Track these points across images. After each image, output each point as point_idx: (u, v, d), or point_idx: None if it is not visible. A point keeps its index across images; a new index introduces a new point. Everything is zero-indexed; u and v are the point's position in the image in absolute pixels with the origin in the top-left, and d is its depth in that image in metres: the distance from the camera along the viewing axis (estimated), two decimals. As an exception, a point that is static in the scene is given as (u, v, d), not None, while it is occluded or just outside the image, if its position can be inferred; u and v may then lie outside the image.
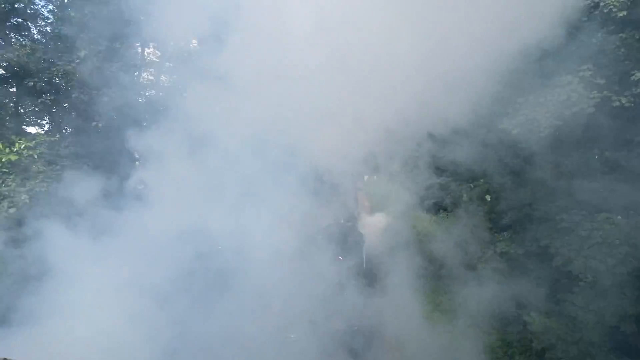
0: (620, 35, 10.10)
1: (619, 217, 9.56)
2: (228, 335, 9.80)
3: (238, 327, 10.08)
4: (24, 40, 14.87)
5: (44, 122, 15.98)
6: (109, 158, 13.66)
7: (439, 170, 17.07)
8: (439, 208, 21.02)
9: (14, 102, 14.98)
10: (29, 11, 14.77)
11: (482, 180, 14.34)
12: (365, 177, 38.27)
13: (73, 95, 13.60)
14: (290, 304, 11.09)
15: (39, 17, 15.38)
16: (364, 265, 16.32)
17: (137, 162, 15.23)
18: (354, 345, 10.94)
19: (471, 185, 14.89)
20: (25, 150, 10.96)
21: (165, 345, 9.10)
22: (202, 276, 10.81)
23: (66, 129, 15.35)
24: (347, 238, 15.56)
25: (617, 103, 9.44)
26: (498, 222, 14.57)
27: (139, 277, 9.37)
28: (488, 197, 14.20)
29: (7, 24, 14.37)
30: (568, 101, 9.76)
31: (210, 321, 10.15)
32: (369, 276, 16.17)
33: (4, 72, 13.66)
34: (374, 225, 25.12)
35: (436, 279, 16.48)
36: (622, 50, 10.08)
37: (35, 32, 15.46)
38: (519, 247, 12.00)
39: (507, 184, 13.06)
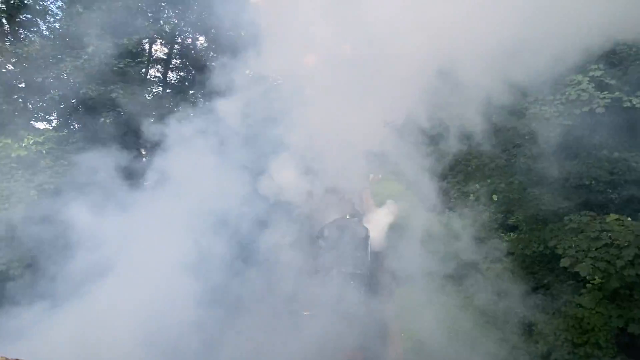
0: (632, 34, 9.96)
1: (629, 218, 9.45)
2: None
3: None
4: (33, 36, 14.99)
5: (52, 117, 16.11)
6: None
7: (446, 169, 17.00)
8: (445, 207, 20.93)
9: (23, 98, 15.10)
10: (38, 7, 14.88)
11: (489, 181, 14.24)
12: (371, 176, 38.40)
13: (81, 91, 13.67)
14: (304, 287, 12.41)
15: (48, 14, 15.49)
16: (369, 259, 16.49)
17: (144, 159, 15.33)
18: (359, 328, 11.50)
19: (478, 185, 14.79)
20: (34, 146, 11.05)
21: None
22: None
23: (74, 125, 15.44)
24: (353, 232, 16.09)
25: (628, 104, 9.31)
26: (505, 222, 14.49)
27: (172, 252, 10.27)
28: (495, 197, 14.11)
29: (17, 20, 14.48)
30: (578, 101, 9.65)
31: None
32: (374, 270, 16.68)
33: (13, 67, 13.76)
34: (379, 221, 25.35)
35: (441, 278, 16.42)
36: (634, 49, 9.95)
37: (44, 29, 15.59)
38: (526, 248, 11.90)
39: (514, 184, 12.95)
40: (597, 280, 9.21)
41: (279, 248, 13.81)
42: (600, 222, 9.33)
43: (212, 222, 11.48)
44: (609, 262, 8.46)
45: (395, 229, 23.01)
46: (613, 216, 9.27)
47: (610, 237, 8.79)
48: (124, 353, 8.53)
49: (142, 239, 10.13)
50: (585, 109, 9.59)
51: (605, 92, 9.31)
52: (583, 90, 9.47)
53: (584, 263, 8.64)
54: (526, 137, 12.99)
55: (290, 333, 10.88)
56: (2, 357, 2.55)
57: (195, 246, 10.71)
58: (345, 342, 10.86)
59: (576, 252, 8.98)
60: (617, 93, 9.26)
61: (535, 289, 11.46)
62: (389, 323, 14.26)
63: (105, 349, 8.39)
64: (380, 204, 30.54)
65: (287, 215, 14.36)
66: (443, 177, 18.47)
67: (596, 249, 8.79)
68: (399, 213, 26.37)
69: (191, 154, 12.07)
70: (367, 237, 17.14)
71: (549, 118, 11.25)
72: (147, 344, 8.86)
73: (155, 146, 14.07)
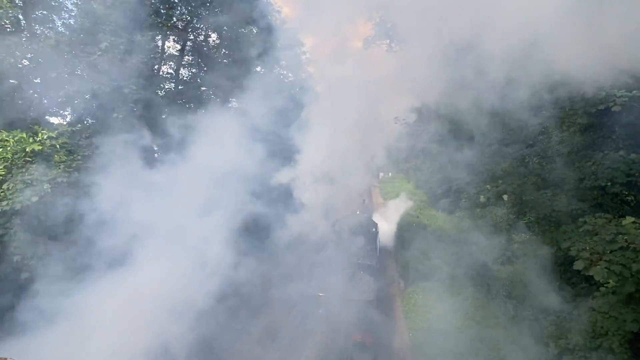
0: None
1: (646, 221, 9.19)
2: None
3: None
4: (49, 32, 15.18)
5: (66, 112, 16.32)
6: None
7: (457, 168, 16.83)
8: (455, 207, 20.74)
9: (38, 93, 15.32)
10: (53, 4, 15.06)
11: (500, 181, 14.03)
12: (381, 174, 38.38)
13: (94, 87, 13.82)
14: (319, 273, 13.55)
15: (63, 10, 15.68)
16: (378, 253, 17.17)
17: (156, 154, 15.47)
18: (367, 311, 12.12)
19: (489, 186, 14.59)
20: (48, 140, 11.19)
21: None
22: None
23: (87, 120, 15.62)
24: (363, 226, 17.01)
25: (647, 103, 9.05)
26: (516, 223, 14.28)
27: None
28: (505, 197, 13.90)
29: (33, 15, 14.68)
30: (594, 99, 9.41)
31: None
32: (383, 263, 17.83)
33: (28, 62, 13.96)
34: (387, 217, 25.60)
35: (450, 278, 16.31)
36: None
37: (59, 25, 15.78)
38: (538, 249, 11.70)
39: (527, 184, 12.74)
40: (612, 283, 8.99)
41: (297, 237, 15.13)
42: (615, 225, 9.10)
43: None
44: (624, 265, 8.23)
45: (405, 226, 22.97)
46: (629, 219, 9.01)
47: (626, 240, 8.55)
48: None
49: (168, 216, 10.91)
50: (602, 107, 9.36)
51: (623, 90, 9.06)
52: (600, 88, 9.23)
53: (598, 266, 8.42)
54: (540, 136, 12.78)
55: (307, 311, 11.99)
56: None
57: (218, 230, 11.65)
58: (356, 324, 11.50)
59: (590, 254, 8.77)
60: (634, 92, 9.00)
61: (546, 291, 11.27)
62: (396, 312, 14.83)
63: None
64: (388, 201, 30.63)
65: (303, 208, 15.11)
66: (454, 176, 18.29)
67: (611, 252, 8.57)
68: (409, 212, 26.33)
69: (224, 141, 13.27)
70: (376, 232, 17.82)
71: (563, 116, 11.04)
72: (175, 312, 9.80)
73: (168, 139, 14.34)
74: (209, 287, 10.73)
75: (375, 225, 18.45)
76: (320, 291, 12.01)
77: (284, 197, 15.28)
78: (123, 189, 10.92)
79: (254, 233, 14.20)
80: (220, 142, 12.96)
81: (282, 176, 14.94)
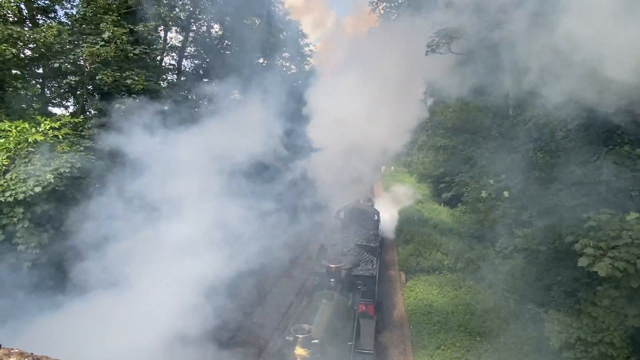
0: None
1: (651, 217, 9.11)
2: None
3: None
4: (51, 22, 15.10)
5: (68, 103, 16.33)
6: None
7: (461, 163, 16.78)
8: (457, 201, 20.74)
9: (40, 83, 15.30)
10: (56, -7, 15.01)
11: (503, 176, 13.95)
12: (383, 168, 38.42)
13: (97, 77, 13.77)
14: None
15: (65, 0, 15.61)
16: (380, 238, 17.85)
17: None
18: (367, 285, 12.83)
19: (491, 181, 14.51)
20: (50, 131, 11.16)
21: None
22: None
23: (90, 111, 15.61)
24: (366, 213, 18.16)
25: (654, 97, 8.90)
26: (518, 217, 14.24)
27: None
28: (506, 194, 13.82)
29: (35, 5, 14.61)
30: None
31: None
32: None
33: (31, 53, 13.91)
34: (389, 208, 25.89)
35: (452, 272, 16.37)
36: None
37: (62, 15, 15.72)
38: (541, 244, 11.67)
39: (530, 179, 12.67)
40: (615, 278, 8.97)
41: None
42: (620, 221, 9.03)
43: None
44: (628, 261, 8.19)
45: (407, 219, 23.02)
46: (634, 214, 8.94)
47: (630, 236, 8.50)
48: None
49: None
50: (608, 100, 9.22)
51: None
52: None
53: (602, 263, 8.38)
54: (544, 130, 12.69)
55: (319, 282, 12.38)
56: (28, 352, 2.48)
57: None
58: (361, 295, 12.16)
59: (594, 250, 8.72)
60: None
61: (548, 286, 11.27)
62: (398, 305, 15.34)
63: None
64: (390, 193, 30.75)
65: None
66: (457, 170, 18.23)
67: (614, 248, 8.52)
68: (411, 205, 26.35)
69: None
70: (378, 219, 18.84)
71: (568, 109, 10.90)
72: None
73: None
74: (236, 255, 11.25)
75: (377, 213, 19.32)
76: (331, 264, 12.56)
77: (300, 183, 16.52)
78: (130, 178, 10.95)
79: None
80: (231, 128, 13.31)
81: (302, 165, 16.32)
